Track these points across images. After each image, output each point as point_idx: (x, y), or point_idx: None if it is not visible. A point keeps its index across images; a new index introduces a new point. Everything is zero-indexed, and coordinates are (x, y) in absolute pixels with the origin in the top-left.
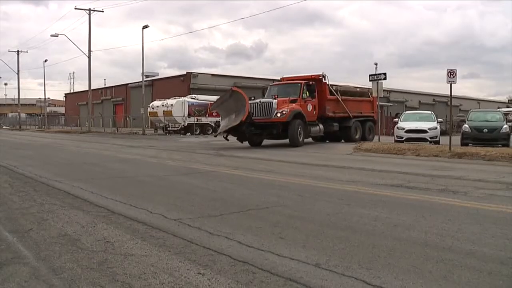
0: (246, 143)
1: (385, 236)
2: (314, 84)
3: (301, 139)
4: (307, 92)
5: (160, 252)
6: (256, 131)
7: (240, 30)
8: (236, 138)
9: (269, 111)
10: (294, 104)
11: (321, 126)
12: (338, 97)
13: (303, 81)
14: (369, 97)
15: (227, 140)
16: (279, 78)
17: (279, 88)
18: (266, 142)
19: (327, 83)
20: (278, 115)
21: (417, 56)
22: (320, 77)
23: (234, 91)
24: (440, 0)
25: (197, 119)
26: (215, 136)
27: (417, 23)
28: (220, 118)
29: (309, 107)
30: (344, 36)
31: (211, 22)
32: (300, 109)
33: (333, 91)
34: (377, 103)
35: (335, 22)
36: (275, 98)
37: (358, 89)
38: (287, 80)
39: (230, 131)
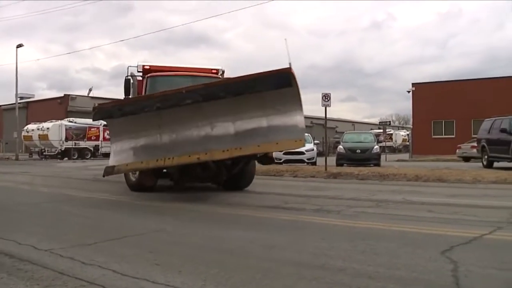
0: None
1: (261, 258)
2: None
3: None
4: None
5: (27, 286)
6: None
7: (124, 50)
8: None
9: None
10: None
11: None
12: None
13: (212, 75)
14: None
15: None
16: (147, 66)
17: (172, 81)
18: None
19: None
20: None
21: (301, 80)
22: (219, 73)
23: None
24: (323, 26)
25: (75, 143)
26: (104, 176)
27: (301, 48)
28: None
29: None
30: (229, 59)
31: (94, 42)
32: None
33: None
34: None
35: (220, 44)
36: None
37: None
38: (174, 70)
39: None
